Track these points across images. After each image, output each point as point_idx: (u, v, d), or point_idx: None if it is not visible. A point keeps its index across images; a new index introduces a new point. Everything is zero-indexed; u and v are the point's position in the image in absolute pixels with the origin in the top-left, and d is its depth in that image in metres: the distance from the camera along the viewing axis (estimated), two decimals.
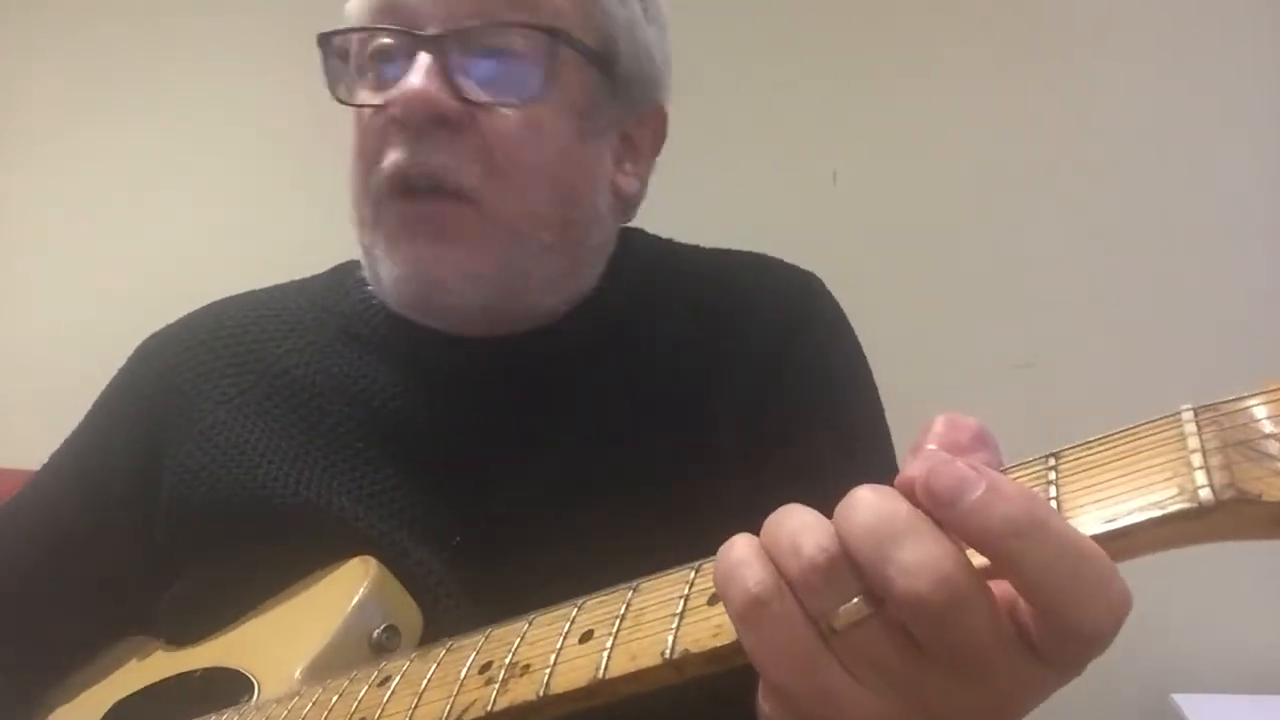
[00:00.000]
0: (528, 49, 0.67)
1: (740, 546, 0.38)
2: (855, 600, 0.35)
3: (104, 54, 1.92)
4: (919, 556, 0.33)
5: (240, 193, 1.85)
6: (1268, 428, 0.32)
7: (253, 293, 0.85)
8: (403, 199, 0.67)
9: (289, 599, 0.68)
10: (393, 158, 0.67)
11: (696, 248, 0.84)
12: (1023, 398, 1.51)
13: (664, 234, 0.86)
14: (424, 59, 0.65)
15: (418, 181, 0.66)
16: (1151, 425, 0.35)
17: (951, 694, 0.35)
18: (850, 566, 0.35)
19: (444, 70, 0.65)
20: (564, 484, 0.69)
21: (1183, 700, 1.46)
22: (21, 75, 1.94)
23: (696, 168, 1.64)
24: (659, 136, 0.79)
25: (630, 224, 0.83)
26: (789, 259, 0.85)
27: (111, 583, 0.77)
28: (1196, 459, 0.33)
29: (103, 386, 0.84)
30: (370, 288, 0.74)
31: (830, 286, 0.83)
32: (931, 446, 0.38)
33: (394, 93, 0.65)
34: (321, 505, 0.69)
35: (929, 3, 1.68)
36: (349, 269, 0.80)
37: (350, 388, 0.74)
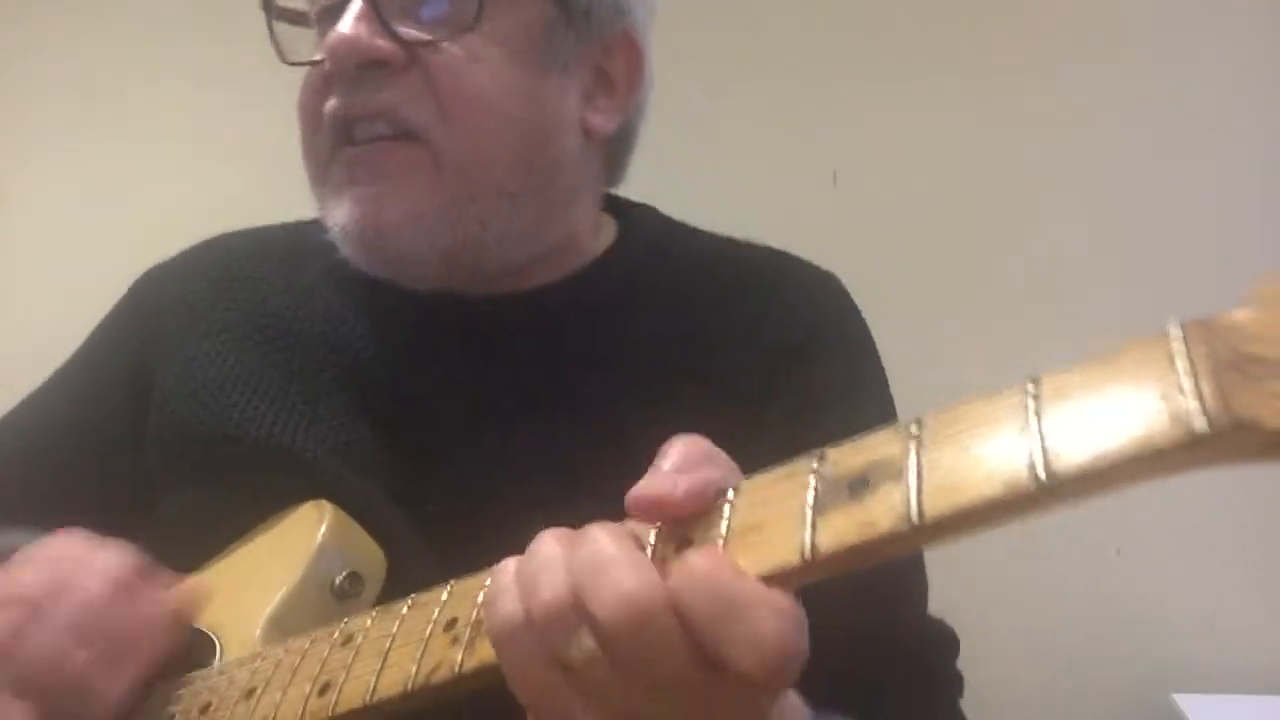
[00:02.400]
0: None
1: (505, 574, 0.41)
2: (582, 640, 0.38)
3: (104, 55, 1.91)
4: (614, 585, 0.37)
5: (240, 192, 1.85)
6: (1258, 347, 0.30)
7: (252, 229, 0.86)
8: (348, 146, 0.66)
9: (247, 547, 0.66)
10: (330, 106, 0.66)
11: (713, 234, 0.82)
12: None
13: (711, 231, 0.84)
14: (355, 5, 0.64)
15: (359, 126, 0.66)
16: (1139, 344, 0.32)
17: (668, 715, 0.38)
18: (571, 607, 0.38)
19: (375, 14, 0.64)
20: (532, 453, 0.67)
21: (1183, 700, 1.46)
22: (22, 75, 1.94)
23: (696, 167, 1.64)
24: (635, 70, 0.75)
25: (634, 200, 0.81)
26: None
27: (102, 510, 0.76)
28: (1188, 384, 0.30)
29: None
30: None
31: None
32: (663, 465, 0.41)
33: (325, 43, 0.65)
34: (295, 449, 0.68)
35: (929, 3, 1.68)
36: None
37: (331, 335, 0.73)
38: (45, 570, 0.57)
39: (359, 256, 0.69)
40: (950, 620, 0.75)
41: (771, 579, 0.37)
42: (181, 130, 1.89)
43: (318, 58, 0.67)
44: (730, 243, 0.81)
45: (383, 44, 0.64)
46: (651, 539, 0.41)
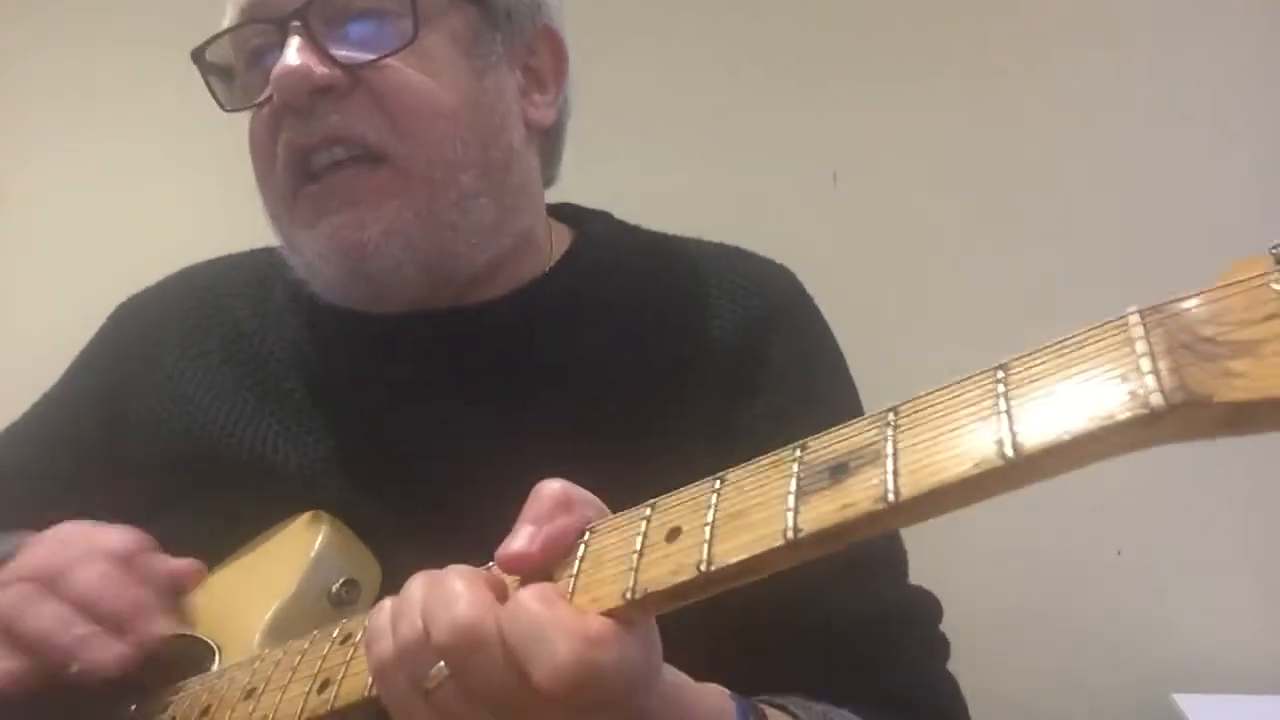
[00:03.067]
0: (392, 1, 0.66)
1: (381, 615, 0.46)
2: (437, 667, 0.43)
3: (104, 55, 1.91)
4: (447, 613, 0.42)
5: (240, 192, 1.85)
6: (1210, 329, 0.32)
7: (225, 257, 0.88)
8: (310, 182, 0.67)
9: (243, 558, 0.68)
10: (283, 140, 0.67)
11: (666, 235, 0.83)
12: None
13: (663, 232, 0.85)
14: (293, 39, 0.65)
15: (316, 155, 0.66)
16: (1100, 330, 0.35)
17: None
18: (423, 643, 0.43)
19: (314, 43, 0.65)
20: (506, 455, 0.67)
21: (1183, 700, 1.46)
22: (22, 75, 1.94)
23: (696, 167, 1.64)
24: (559, 59, 0.78)
25: (587, 207, 0.82)
26: (789, 259, 0.84)
27: None
28: (1145, 363, 0.32)
29: None
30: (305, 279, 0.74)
31: (830, 286, 0.82)
32: (524, 517, 0.46)
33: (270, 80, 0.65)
34: (276, 462, 0.70)
35: (928, 3, 1.68)
36: None
37: (297, 354, 0.75)
38: (56, 549, 0.60)
39: (338, 282, 0.69)
40: (951, 620, 0.76)
41: (756, 561, 0.38)
42: (182, 130, 1.89)
43: (261, 98, 0.68)
44: (681, 241, 0.83)
45: (327, 70, 0.65)
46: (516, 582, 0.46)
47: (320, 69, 0.65)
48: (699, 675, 0.51)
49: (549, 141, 0.79)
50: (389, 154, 0.66)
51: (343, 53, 0.66)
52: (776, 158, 1.69)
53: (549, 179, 0.81)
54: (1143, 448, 0.32)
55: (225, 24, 0.70)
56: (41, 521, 0.76)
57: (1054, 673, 1.53)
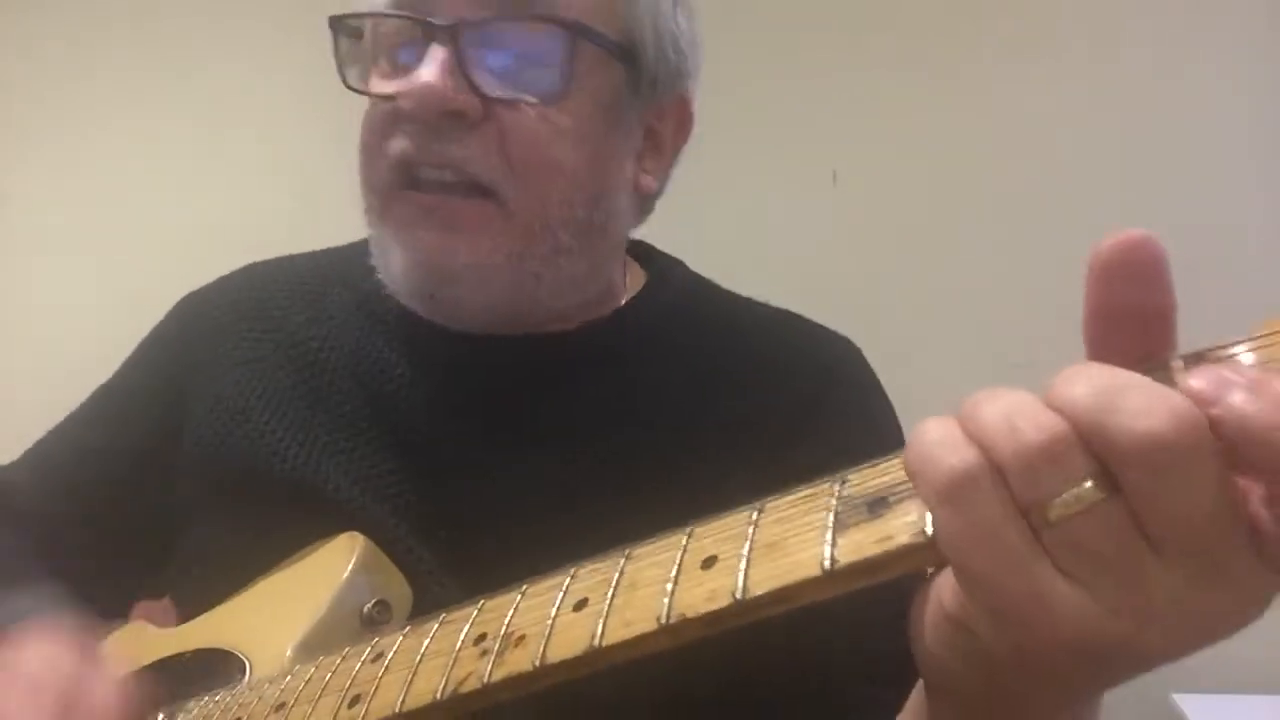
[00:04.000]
0: (546, 43, 0.65)
1: (936, 428, 0.35)
2: (1081, 486, 0.32)
3: (104, 55, 1.92)
4: (1147, 400, 0.31)
5: (240, 192, 1.85)
6: (1255, 375, 0.32)
7: (287, 258, 0.85)
8: (413, 189, 0.66)
9: (277, 575, 0.68)
10: (399, 147, 0.66)
11: (734, 294, 0.82)
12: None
13: (662, 233, 0.85)
14: (438, 51, 0.63)
15: (425, 172, 0.65)
16: (1146, 370, 0.34)
17: (1173, 590, 0.32)
18: (1072, 446, 0.32)
19: (458, 63, 0.63)
20: (554, 492, 0.68)
21: (1183, 700, 1.46)
22: (22, 76, 1.94)
23: (696, 168, 1.64)
24: (683, 129, 0.77)
25: (663, 250, 0.82)
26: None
27: (131, 535, 0.77)
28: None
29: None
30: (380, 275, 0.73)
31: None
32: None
33: (404, 84, 0.64)
34: (317, 480, 0.69)
35: (928, 3, 1.68)
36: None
37: (358, 366, 0.74)
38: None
39: (415, 296, 0.69)
40: None
41: (791, 590, 0.37)
42: (182, 130, 1.89)
43: (388, 90, 0.66)
44: (749, 303, 0.82)
45: (465, 98, 0.63)
46: None
47: (459, 93, 0.63)
48: None
49: (647, 202, 0.78)
50: (499, 193, 0.65)
51: (485, 81, 0.64)
52: (776, 158, 1.69)
53: (637, 225, 0.81)
54: None
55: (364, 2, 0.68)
56: (87, 534, 0.77)
57: None
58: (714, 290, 0.82)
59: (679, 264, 0.83)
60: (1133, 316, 0.37)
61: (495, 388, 0.72)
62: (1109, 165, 1.61)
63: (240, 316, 0.79)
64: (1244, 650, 1.71)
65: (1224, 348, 0.33)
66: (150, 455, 0.77)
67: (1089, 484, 0.32)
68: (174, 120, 1.90)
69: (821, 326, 0.80)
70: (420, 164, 0.65)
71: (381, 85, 0.67)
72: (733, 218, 1.67)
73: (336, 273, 0.80)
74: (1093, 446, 0.32)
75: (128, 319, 0.90)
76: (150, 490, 0.76)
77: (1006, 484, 0.33)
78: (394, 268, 0.68)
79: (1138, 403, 0.31)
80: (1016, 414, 0.33)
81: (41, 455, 0.83)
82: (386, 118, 0.66)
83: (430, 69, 0.63)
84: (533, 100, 0.65)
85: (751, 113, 1.70)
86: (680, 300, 0.78)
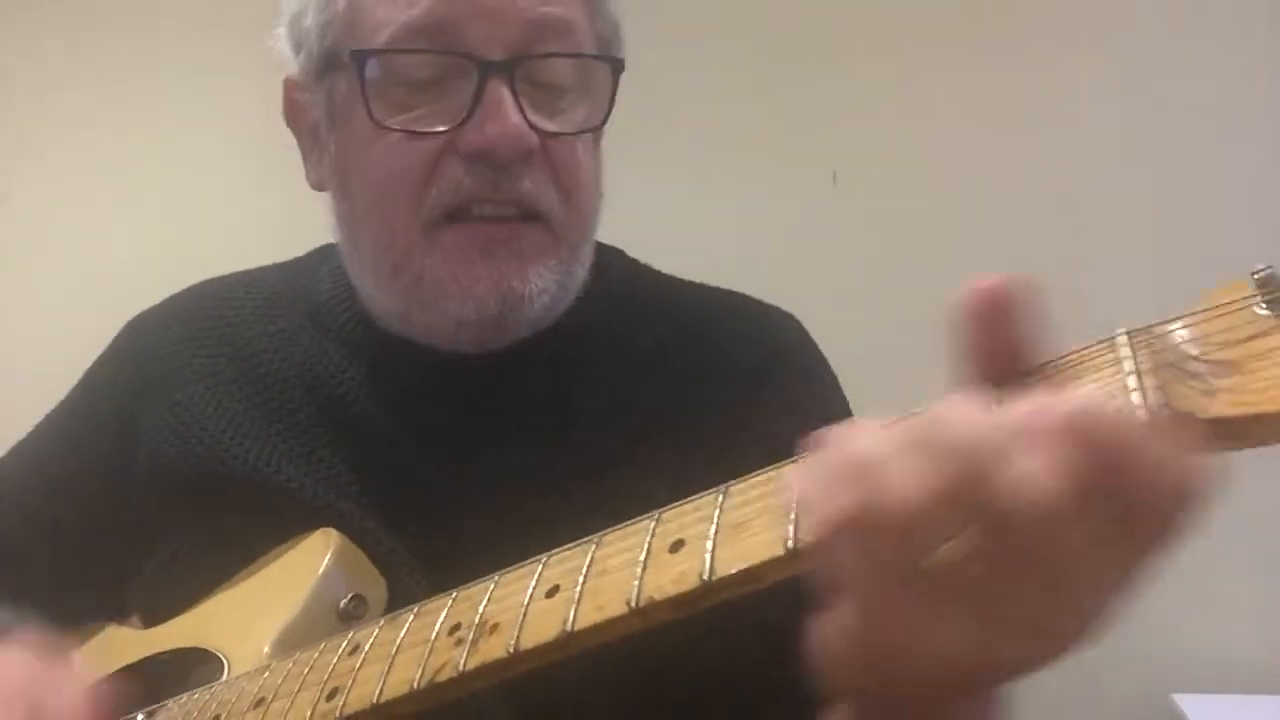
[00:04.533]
0: (577, 76, 0.68)
1: (823, 467, 0.35)
2: (958, 537, 0.33)
3: (104, 55, 1.92)
4: (1023, 461, 0.32)
5: (240, 192, 1.85)
6: (1194, 349, 0.33)
7: (237, 274, 0.86)
8: (470, 221, 0.66)
9: (253, 574, 0.68)
10: (457, 182, 0.65)
11: (673, 278, 0.84)
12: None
13: (662, 233, 0.86)
14: (505, 93, 0.64)
15: (484, 208, 0.66)
16: (1089, 349, 0.36)
17: (1038, 613, 0.34)
18: (949, 495, 0.33)
19: (517, 101, 0.64)
20: (517, 483, 0.69)
21: (1183, 700, 1.46)
22: (22, 76, 1.94)
23: (696, 168, 1.64)
24: None
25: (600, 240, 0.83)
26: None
27: (92, 553, 0.78)
28: (1132, 380, 0.33)
29: None
30: (364, 301, 0.74)
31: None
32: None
33: (476, 129, 0.63)
34: (281, 482, 0.70)
35: (928, 3, 1.68)
36: (326, 254, 0.80)
37: (307, 374, 0.75)
38: None
39: (484, 324, 0.68)
40: None
41: (757, 569, 0.38)
42: (182, 130, 1.89)
43: (438, 127, 0.65)
44: (689, 286, 0.84)
45: (534, 138, 0.65)
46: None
47: (530, 132, 0.64)
48: None
49: None
50: (554, 221, 0.68)
51: (538, 118, 0.65)
52: (776, 158, 1.69)
53: None
54: None
55: (390, 35, 0.66)
56: (46, 558, 0.78)
57: (1054, 673, 1.53)
58: (652, 276, 0.84)
59: (617, 253, 0.83)
60: (995, 355, 0.39)
61: (449, 388, 0.72)
62: (1109, 165, 1.61)
63: (192, 334, 0.80)
64: (1244, 650, 1.72)
65: (1167, 322, 0.35)
66: (106, 477, 0.78)
67: (967, 533, 0.33)
68: (174, 120, 1.90)
69: (762, 303, 0.82)
70: (485, 200, 0.66)
71: (421, 120, 0.65)
72: (733, 218, 1.67)
73: (286, 285, 0.81)
74: (968, 498, 0.33)
75: (127, 319, 0.90)
76: (108, 511, 0.77)
77: (888, 527, 0.33)
78: (444, 298, 0.67)
79: (1013, 464, 0.32)
80: (896, 460, 0.34)
81: None
82: (429, 154, 0.65)
83: (510, 112, 0.63)
84: (582, 132, 0.68)
85: (752, 113, 1.70)
86: (620, 290, 0.79)
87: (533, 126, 0.65)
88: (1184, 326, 0.34)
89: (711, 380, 0.74)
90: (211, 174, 1.88)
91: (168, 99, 1.90)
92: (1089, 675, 1.56)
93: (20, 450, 0.85)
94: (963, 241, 1.65)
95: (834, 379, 0.79)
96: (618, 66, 0.69)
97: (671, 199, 1.48)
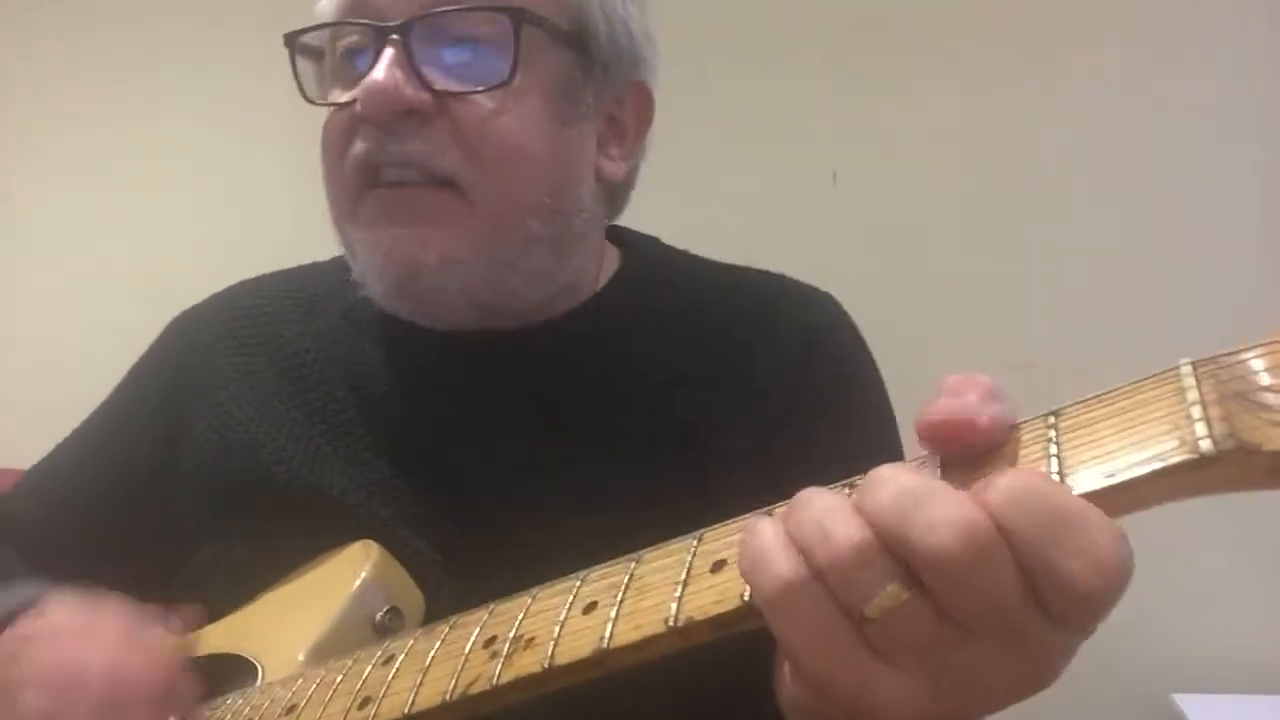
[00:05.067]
0: (494, 33, 0.65)
1: (766, 534, 0.37)
2: (889, 587, 0.35)
3: (104, 55, 1.92)
4: (938, 512, 0.34)
5: (239, 192, 1.85)
6: (1265, 379, 0.33)
7: (275, 274, 0.86)
8: (380, 187, 0.66)
9: (291, 582, 0.69)
10: (359, 149, 0.66)
11: (710, 261, 0.83)
12: (1023, 398, 1.51)
13: (662, 233, 0.86)
14: (388, 52, 0.64)
15: (388, 172, 0.66)
16: (1151, 380, 0.36)
17: (984, 665, 0.35)
18: (880, 552, 0.35)
19: (409, 61, 0.64)
20: (557, 484, 0.68)
21: (1183, 700, 1.46)
22: (22, 76, 1.94)
23: (696, 167, 1.64)
24: (644, 117, 0.77)
25: (636, 230, 0.83)
26: (789, 259, 0.85)
27: (133, 555, 0.78)
28: (1196, 411, 0.33)
29: (102, 386, 0.84)
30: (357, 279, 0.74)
31: (830, 286, 0.82)
32: (942, 405, 0.39)
33: (357, 89, 0.65)
34: (322, 487, 0.70)
35: (929, 3, 1.68)
36: None
37: (349, 374, 0.74)
38: (46, 686, 0.56)
39: (389, 294, 0.69)
40: None
41: None
42: (182, 130, 1.89)
43: (344, 99, 0.67)
44: (726, 268, 0.83)
45: (416, 94, 0.64)
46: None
47: (410, 91, 0.64)
48: None
49: (618, 190, 0.78)
50: (461, 184, 0.66)
51: (436, 77, 0.65)
52: (776, 158, 1.69)
53: (613, 216, 0.81)
54: (1193, 495, 0.34)
55: (321, 11, 0.70)
56: (88, 555, 0.77)
57: None
58: (688, 259, 0.83)
59: (652, 241, 0.83)
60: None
61: (483, 385, 0.72)
62: (1109, 165, 1.61)
63: (232, 333, 0.80)
64: (1244, 650, 1.71)
65: (1236, 353, 0.34)
66: (150, 476, 0.78)
67: (895, 584, 0.35)
68: (174, 120, 1.90)
69: (801, 283, 0.81)
70: (382, 164, 0.66)
71: (338, 94, 0.68)
72: (733, 218, 1.67)
73: (323, 284, 0.81)
74: (895, 552, 0.35)
75: (128, 319, 0.90)
76: (152, 510, 0.77)
77: (827, 586, 0.36)
78: (368, 269, 0.68)
79: (931, 516, 0.34)
80: (828, 520, 0.36)
81: (40, 481, 0.83)
82: (344, 124, 0.67)
83: (381, 69, 0.63)
84: (481, 89, 0.65)
85: (752, 113, 1.70)
86: (655, 273, 0.79)
87: (426, 85, 0.64)
88: (1256, 356, 0.34)
89: (752, 366, 0.73)
90: (211, 174, 1.87)
91: (168, 99, 1.90)
92: (1089, 675, 1.56)
93: (61, 451, 0.84)
94: (963, 241, 1.65)
95: (871, 358, 0.79)
96: (518, 16, 0.65)
97: (671, 198, 1.48)
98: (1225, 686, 1.48)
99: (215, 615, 0.71)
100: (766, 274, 0.82)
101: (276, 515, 0.70)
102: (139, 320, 0.88)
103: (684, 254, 0.83)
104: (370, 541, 0.66)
